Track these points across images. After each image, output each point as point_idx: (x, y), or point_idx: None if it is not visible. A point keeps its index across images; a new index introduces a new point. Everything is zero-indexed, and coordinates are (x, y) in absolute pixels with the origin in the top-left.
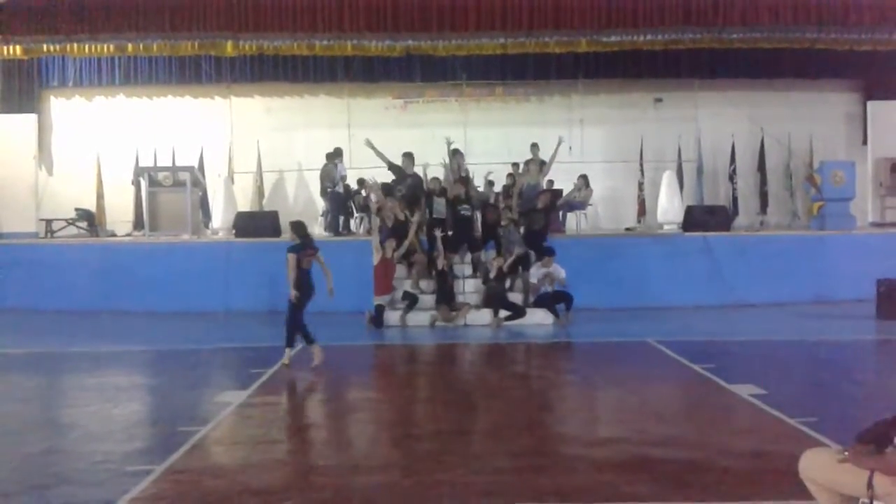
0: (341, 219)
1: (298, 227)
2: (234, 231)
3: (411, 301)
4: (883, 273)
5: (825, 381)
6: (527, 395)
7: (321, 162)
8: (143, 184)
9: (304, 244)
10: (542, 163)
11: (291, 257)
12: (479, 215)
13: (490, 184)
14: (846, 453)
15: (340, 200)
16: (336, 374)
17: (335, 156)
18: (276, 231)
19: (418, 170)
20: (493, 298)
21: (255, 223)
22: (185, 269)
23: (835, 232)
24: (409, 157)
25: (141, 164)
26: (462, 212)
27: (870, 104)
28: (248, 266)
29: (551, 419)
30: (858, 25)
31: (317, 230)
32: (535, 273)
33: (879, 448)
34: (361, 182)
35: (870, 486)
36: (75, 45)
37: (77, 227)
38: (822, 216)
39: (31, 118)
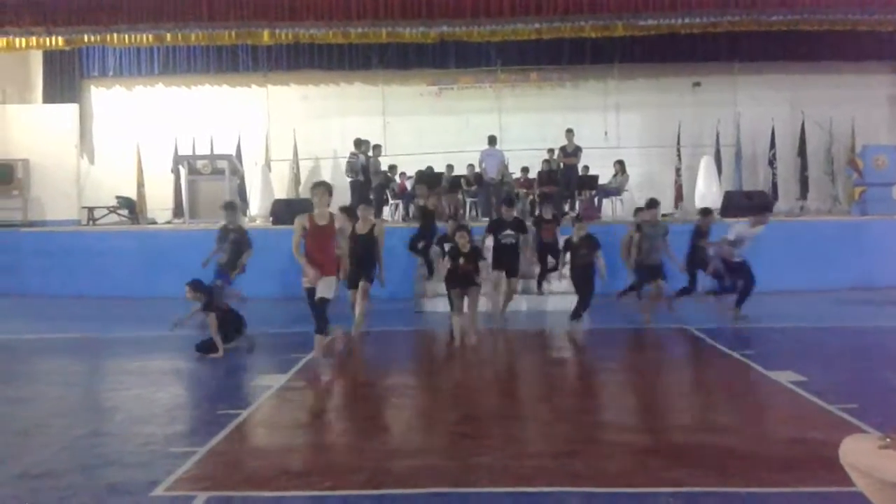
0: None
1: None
2: (271, 218)
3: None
4: None
5: (866, 368)
6: (564, 380)
7: None
8: (183, 172)
9: None
10: (578, 148)
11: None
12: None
13: (525, 170)
14: (888, 440)
15: (361, 190)
16: (377, 359)
17: (357, 145)
18: None
19: (452, 158)
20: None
21: (292, 210)
22: None
23: (877, 217)
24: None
25: (180, 153)
26: (503, 240)
27: None
28: (285, 253)
29: (593, 406)
30: None
31: None
32: (740, 231)
33: None
34: (394, 168)
35: None
36: (115, 36)
37: (118, 214)
38: (863, 201)
39: (73, 108)
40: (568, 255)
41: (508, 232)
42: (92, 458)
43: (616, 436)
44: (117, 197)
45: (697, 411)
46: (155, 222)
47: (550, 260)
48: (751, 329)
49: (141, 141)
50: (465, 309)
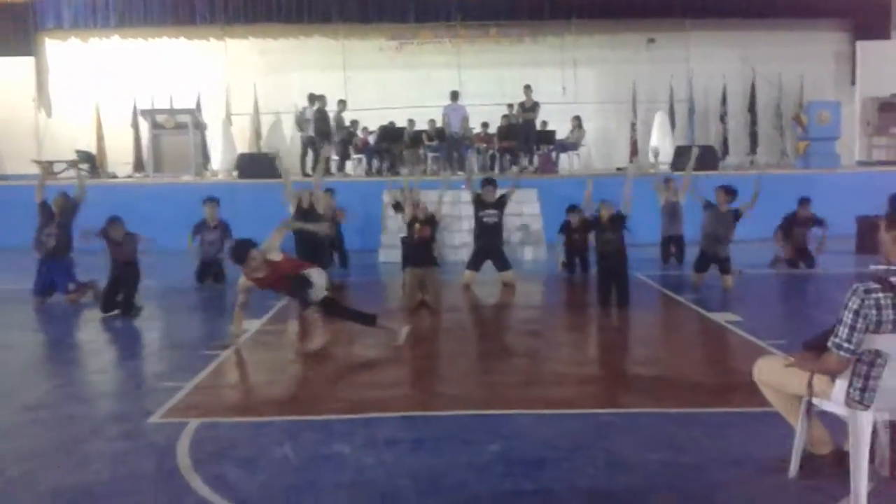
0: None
1: None
2: (235, 172)
3: None
4: (865, 210)
5: (797, 308)
6: (524, 320)
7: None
8: (146, 126)
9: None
10: (536, 104)
11: None
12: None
13: (485, 125)
14: (791, 359)
15: (308, 144)
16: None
17: (311, 100)
18: (277, 172)
19: (413, 113)
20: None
21: (256, 164)
22: (190, 209)
23: (820, 170)
24: None
25: (139, 106)
26: (486, 218)
27: (859, 44)
28: (251, 205)
29: (547, 344)
30: None
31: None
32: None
33: (819, 354)
34: (355, 123)
35: (809, 385)
36: None
37: (78, 168)
38: (807, 155)
39: (29, 61)
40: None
41: (490, 211)
42: (86, 394)
43: (567, 369)
44: (77, 151)
45: (640, 347)
46: (115, 176)
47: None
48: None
49: (99, 94)
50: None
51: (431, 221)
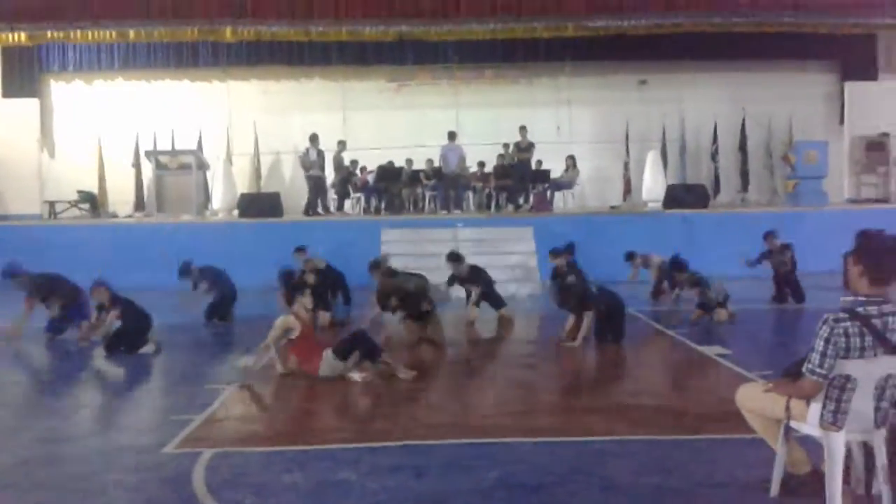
0: (319, 201)
1: None
2: (236, 211)
3: None
4: (851, 247)
5: (784, 342)
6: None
7: None
8: (150, 166)
9: None
10: (531, 144)
11: None
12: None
13: (481, 164)
14: (770, 385)
15: (316, 184)
16: None
17: (312, 141)
18: (278, 211)
19: (411, 153)
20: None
21: (258, 204)
22: (191, 247)
23: (808, 208)
24: None
25: (141, 147)
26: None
27: (847, 85)
28: (252, 245)
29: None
30: (834, 10)
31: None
32: None
33: (795, 380)
34: (355, 163)
35: (787, 408)
36: (79, 32)
37: (79, 208)
38: (796, 193)
39: (34, 102)
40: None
41: (469, 286)
42: (101, 427)
43: (562, 400)
44: (78, 191)
45: (633, 379)
46: (116, 216)
47: None
48: (686, 312)
49: (102, 135)
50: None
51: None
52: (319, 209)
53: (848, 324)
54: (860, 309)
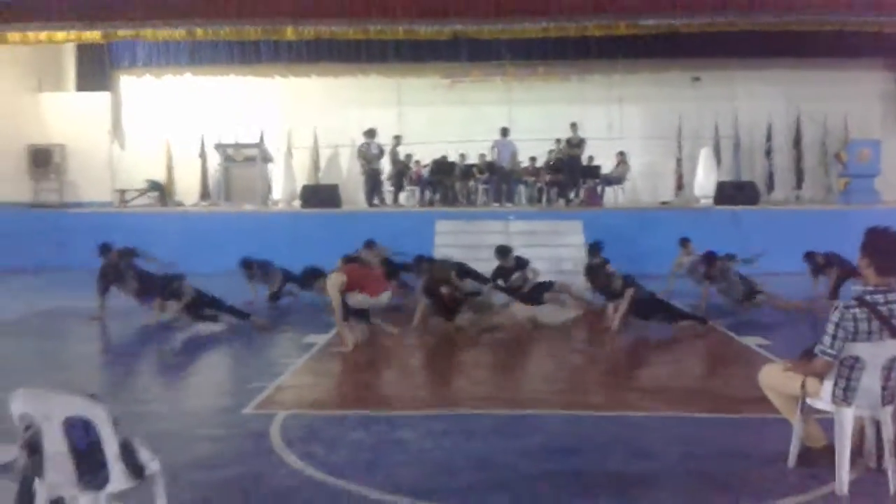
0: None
1: None
2: (296, 202)
3: None
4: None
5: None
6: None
7: None
8: (215, 157)
9: None
10: (582, 140)
11: None
12: None
13: (532, 159)
14: (789, 366)
15: (374, 177)
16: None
17: (369, 135)
18: (337, 202)
19: (464, 147)
20: None
21: (319, 195)
22: (257, 235)
23: (859, 206)
24: None
25: (206, 140)
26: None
27: None
28: (314, 233)
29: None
30: (887, 9)
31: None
32: None
33: (811, 360)
34: (409, 157)
35: (803, 386)
36: (149, 31)
37: (148, 196)
38: (848, 191)
39: (105, 96)
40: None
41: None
42: (188, 393)
43: (603, 379)
44: (147, 180)
45: (674, 366)
46: (182, 204)
47: None
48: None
49: (169, 127)
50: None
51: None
52: (375, 200)
53: (857, 310)
54: (868, 297)
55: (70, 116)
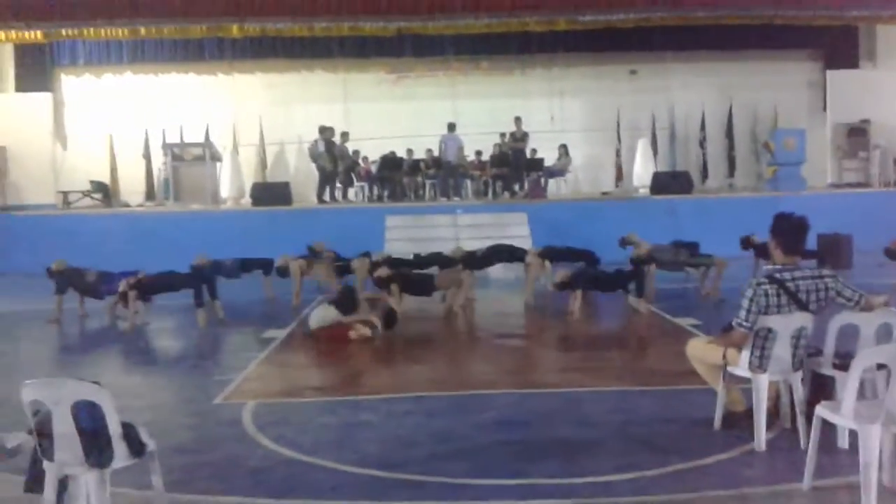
0: (328, 189)
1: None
2: (244, 199)
3: None
4: (828, 229)
5: None
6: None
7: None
8: (160, 157)
9: None
10: (525, 134)
11: None
12: None
13: (478, 153)
14: (712, 339)
15: (323, 173)
16: None
17: (321, 132)
18: (288, 199)
19: (411, 142)
20: None
21: (270, 192)
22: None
23: (786, 193)
24: None
25: (151, 138)
26: None
27: (829, 73)
28: (265, 231)
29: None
30: (810, 2)
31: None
32: None
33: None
34: (357, 153)
35: (724, 356)
36: (92, 30)
37: (92, 198)
38: (776, 179)
39: (47, 96)
40: None
41: None
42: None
43: (549, 362)
44: (91, 181)
45: (616, 346)
46: (128, 205)
47: None
48: (666, 289)
49: (112, 127)
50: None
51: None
52: (326, 197)
53: (767, 286)
54: (777, 275)
55: (10, 118)
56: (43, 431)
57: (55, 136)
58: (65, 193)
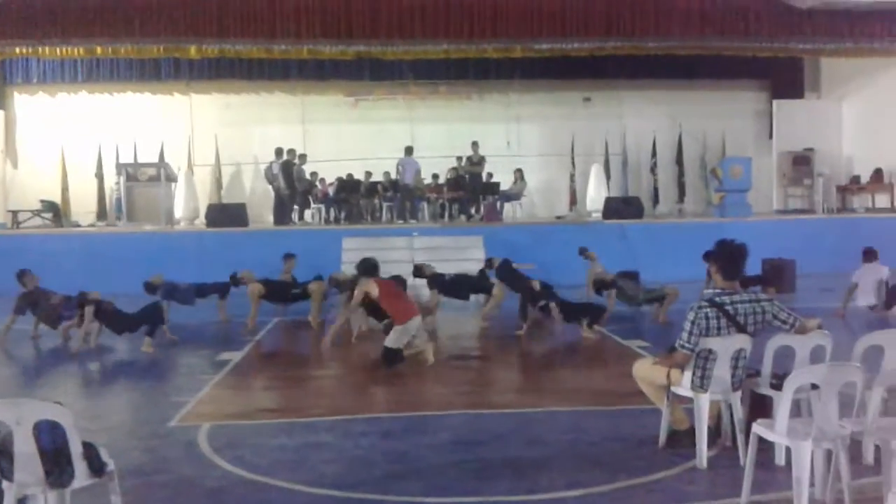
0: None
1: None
2: (199, 220)
3: None
4: (773, 254)
5: None
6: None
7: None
8: (114, 176)
9: None
10: (482, 158)
11: None
12: None
13: (435, 176)
14: (657, 360)
15: (281, 196)
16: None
17: (277, 154)
18: (244, 221)
19: (369, 165)
20: None
21: (226, 214)
22: (161, 255)
23: (733, 219)
24: None
25: (104, 158)
26: None
27: (775, 102)
28: (220, 254)
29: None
30: (757, 35)
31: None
32: None
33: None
34: (314, 175)
35: (668, 376)
36: (47, 48)
37: (42, 217)
38: (723, 205)
39: None
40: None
41: None
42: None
43: (503, 383)
44: (41, 200)
45: (566, 367)
46: (79, 225)
47: None
48: (617, 312)
49: (65, 146)
50: None
51: None
52: (288, 219)
53: (708, 310)
54: (717, 298)
55: None
56: (3, 451)
57: (5, 155)
58: (14, 213)
